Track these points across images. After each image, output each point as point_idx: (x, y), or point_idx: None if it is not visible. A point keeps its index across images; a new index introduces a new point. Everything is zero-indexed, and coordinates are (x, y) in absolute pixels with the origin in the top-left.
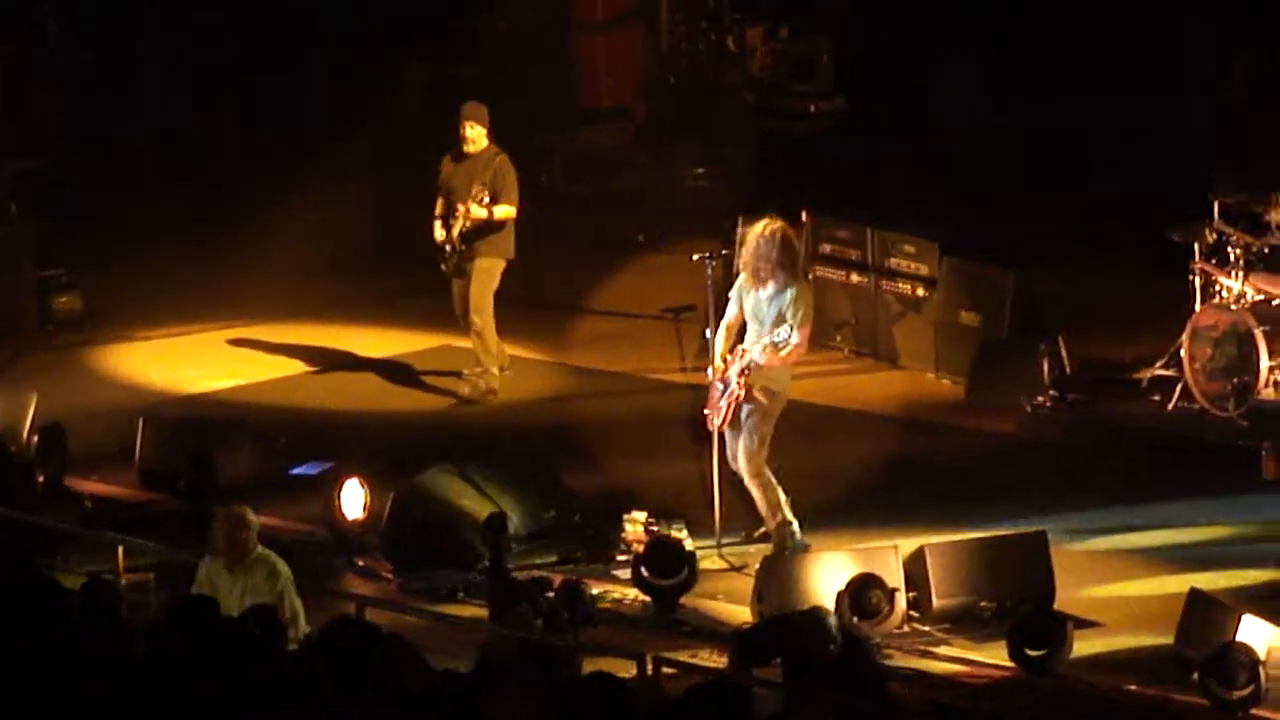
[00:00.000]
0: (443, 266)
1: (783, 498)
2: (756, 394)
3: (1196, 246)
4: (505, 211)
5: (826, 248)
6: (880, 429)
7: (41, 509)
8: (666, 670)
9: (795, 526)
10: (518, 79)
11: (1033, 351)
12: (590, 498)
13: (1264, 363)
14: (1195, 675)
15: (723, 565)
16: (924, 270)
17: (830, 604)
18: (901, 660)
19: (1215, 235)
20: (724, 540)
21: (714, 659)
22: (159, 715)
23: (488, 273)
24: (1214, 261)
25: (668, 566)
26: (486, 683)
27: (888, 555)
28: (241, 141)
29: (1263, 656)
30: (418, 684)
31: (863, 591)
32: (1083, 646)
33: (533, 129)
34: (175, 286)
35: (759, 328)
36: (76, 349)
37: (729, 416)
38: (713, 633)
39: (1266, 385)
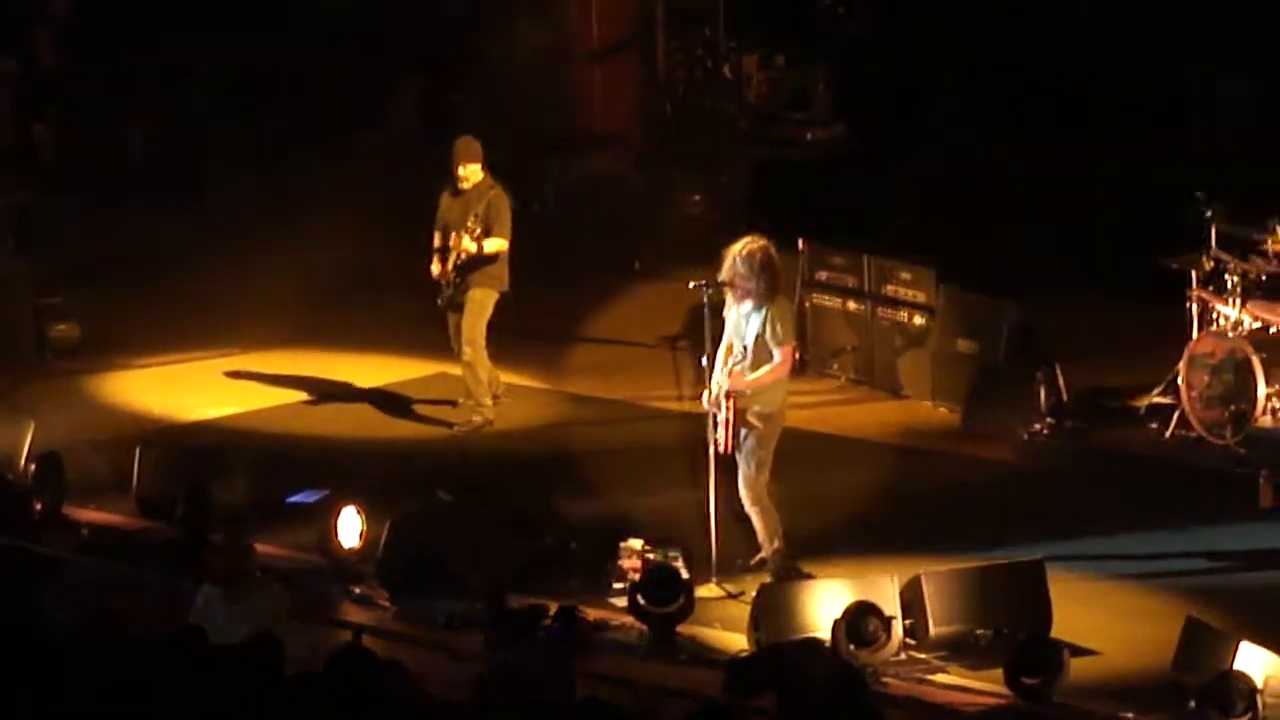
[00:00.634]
0: (439, 301)
1: (780, 527)
2: (750, 418)
3: (1194, 274)
4: (496, 245)
5: (823, 275)
6: (877, 457)
7: (38, 537)
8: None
9: (792, 555)
10: (514, 107)
11: (1029, 379)
12: (587, 525)
13: (1261, 390)
14: (1192, 703)
15: (719, 593)
16: (921, 298)
17: (827, 632)
18: (898, 688)
19: (1212, 263)
20: (720, 568)
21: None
22: None
23: (481, 304)
24: (1211, 289)
25: (664, 594)
26: (483, 710)
27: (884, 583)
28: (237, 169)
29: (1260, 684)
30: (415, 712)
31: (859, 619)
32: (1079, 674)
33: (529, 157)
34: (172, 314)
35: (741, 345)
36: (73, 377)
37: (729, 444)
38: (709, 661)
39: (1264, 413)
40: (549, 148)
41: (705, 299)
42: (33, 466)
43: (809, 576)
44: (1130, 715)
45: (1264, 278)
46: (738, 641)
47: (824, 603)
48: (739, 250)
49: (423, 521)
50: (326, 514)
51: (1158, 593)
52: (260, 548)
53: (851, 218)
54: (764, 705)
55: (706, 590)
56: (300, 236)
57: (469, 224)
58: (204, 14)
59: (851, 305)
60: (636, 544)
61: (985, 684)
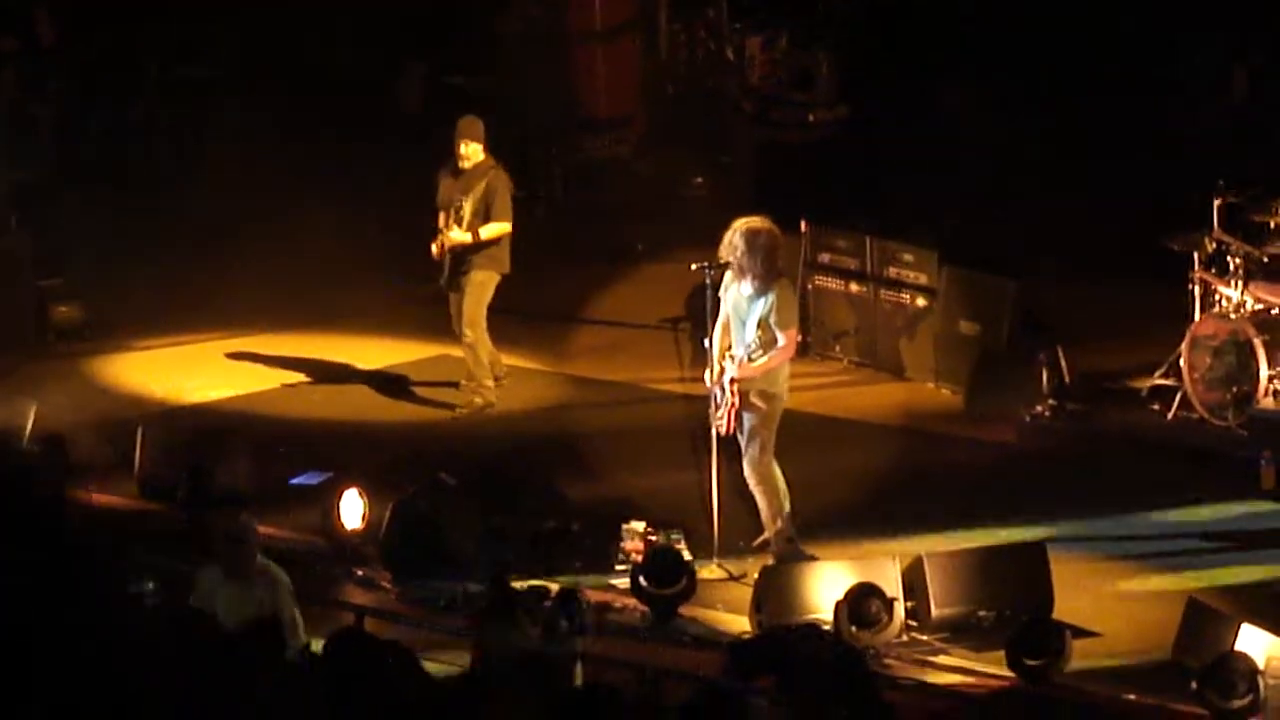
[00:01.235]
0: (440, 282)
1: (786, 508)
2: (753, 399)
3: (1196, 255)
4: (494, 230)
5: (825, 257)
6: (879, 439)
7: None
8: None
9: (794, 537)
10: (517, 89)
11: (1032, 361)
12: (589, 507)
13: (1263, 372)
14: (1194, 685)
15: (721, 575)
16: (923, 280)
17: (829, 614)
18: (900, 670)
19: (1215, 244)
20: (722, 550)
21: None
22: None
23: (481, 285)
24: (1213, 270)
25: (666, 576)
26: (484, 692)
27: (886, 565)
28: (239, 150)
29: (1261, 665)
30: (416, 693)
31: (861, 601)
32: (1081, 656)
33: (532, 139)
34: (175, 296)
35: (741, 328)
36: (76, 359)
37: (730, 425)
38: (711, 642)
39: (1266, 394)
40: (552, 130)
41: (707, 280)
42: (35, 448)
43: (811, 558)
44: (1132, 696)
45: (1266, 259)
46: (740, 623)
47: (826, 584)
48: (739, 228)
49: (425, 503)
50: (329, 496)
51: (1160, 575)
52: (262, 529)
53: (854, 199)
54: (766, 687)
55: (708, 572)
56: (304, 217)
57: (462, 210)
58: None
59: (854, 287)
60: (638, 526)
61: (987, 665)
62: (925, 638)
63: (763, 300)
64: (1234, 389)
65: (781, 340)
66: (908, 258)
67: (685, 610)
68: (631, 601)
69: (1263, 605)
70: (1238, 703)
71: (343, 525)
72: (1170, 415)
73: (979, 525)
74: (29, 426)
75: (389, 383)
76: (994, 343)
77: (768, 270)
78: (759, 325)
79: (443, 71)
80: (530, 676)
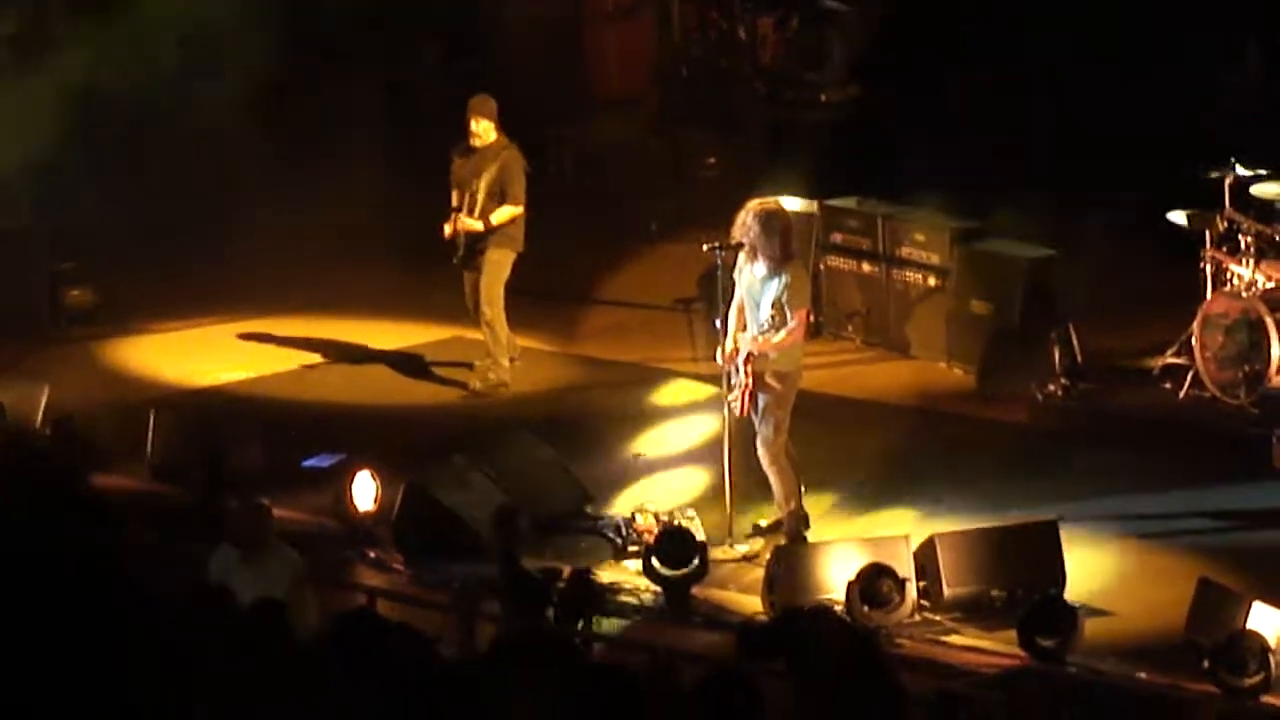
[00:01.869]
0: (455, 260)
1: (799, 488)
2: (767, 380)
3: (1208, 234)
4: (509, 213)
5: (837, 237)
6: (891, 418)
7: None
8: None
9: (807, 517)
10: (529, 70)
11: (1044, 340)
12: (601, 488)
13: (1275, 350)
14: (1206, 663)
15: (734, 555)
16: (935, 259)
17: (841, 594)
18: (912, 649)
19: (1226, 223)
20: (735, 530)
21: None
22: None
23: (498, 264)
24: (1225, 249)
25: (679, 557)
26: (497, 673)
27: (898, 545)
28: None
29: (1273, 644)
30: (427, 675)
31: (873, 581)
32: (1093, 635)
33: (545, 119)
34: (188, 279)
35: (755, 309)
36: (89, 343)
37: (745, 405)
38: (724, 623)
39: (1277, 373)
40: (565, 111)
41: (718, 261)
42: (47, 432)
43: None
44: (1144, 675)
45: (1277, 238)
46: (752, 604)
47: (838, 564)
48: (752, 209)
49: (437, 485)
50: (341, 478)
51: (1171, 553)
52: (275, 511)
53: (866, 179)
54: (779, 669)
55: (721, 552)
56: (316, 198)
57: (476, 191)
58: None
59: (866, 267)
60: (651, 506)
61: (999, 645)
62: (937, 617)
63: (776, 281)
64: (1246, 367)
65: (792, 320)
66: (919, 237)
67: (698, 591)
68: (644, 582)
69: (1275, 583)
70: (1250, 681)
71: (355, 507)
72: (1182, 394)
73: (991, 504)
74: (41, 410)
75: (402, 364)
76: (1006, 322)
77: (781, 251)
78: (772, 306)
79: (456, 53)
80: (543, 659)
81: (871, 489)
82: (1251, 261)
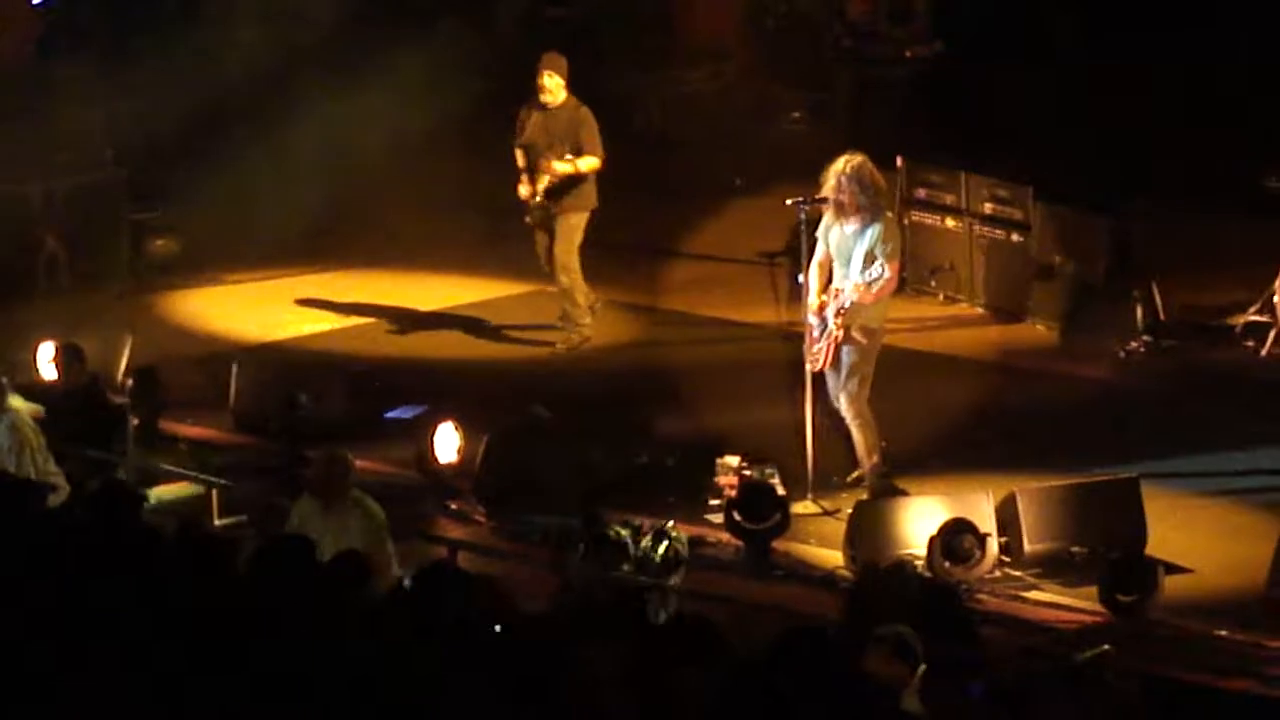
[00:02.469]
0: (527, 219)
1: (880, 442)
2: (855, 334)
3: None
4: (590, 164)
5: (921, 192)
6: (973, 374)
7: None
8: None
9: (888, 471)
10: (616, 19)
11: (1126, 297)
12: (683, 442)
13: None
14: None
15: (815, 510)
16: (1018, 215)
17: (922, 549)
18: (992, 605)
19: None
20: (816, 485)
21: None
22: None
23: (574, 228)
24: None
25: (760, 511)
26: (576, 627)
27: (980, 500)
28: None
29: None
30: (507, 628)
31: (954, 536)
32: (1174, 592)
33: (630, 71)
34: (271, 229)
35: (845, 265)
36: (171, 292)
37: (828, 358)
38: (804, 577)
39: None
40: (652, 62)
41: (802, 216)
42: (130, 382)
43: (904, 493)
44: (1224, 633)
45: None
46: (833, 558)
47: (919, 520)
48: (842, 168)
49: (520, 437)
50: (424, 430)
51: (1252, 511)
52: (357, 463)
53: (950, 135)
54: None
55: (802, 507)
56: (402, 150)
57: (558, 148)
58: None
59: (949, 223)
60: (733, 460)
61: (1080, 601)
62: (1018, 573)
63: (869, 232)
64: None
65: (886, 272)
66: (1003, 193)
67: (779, 545)
68: (725, 536)
69: None
70: None
71: (437, 459)
72: (1264, 352)
73: (1072, 461)
74: (124, 360)
75: (484, 317)
76: (1089, 278)
77: (874, 204)
78: (865, 258)
79: (540, 3)
80: (623, 611)
81: (952, 444)
82: None
